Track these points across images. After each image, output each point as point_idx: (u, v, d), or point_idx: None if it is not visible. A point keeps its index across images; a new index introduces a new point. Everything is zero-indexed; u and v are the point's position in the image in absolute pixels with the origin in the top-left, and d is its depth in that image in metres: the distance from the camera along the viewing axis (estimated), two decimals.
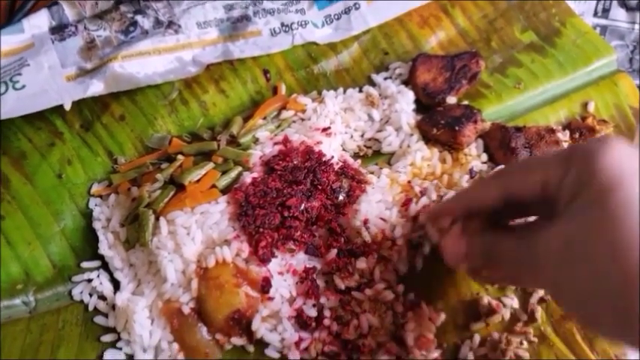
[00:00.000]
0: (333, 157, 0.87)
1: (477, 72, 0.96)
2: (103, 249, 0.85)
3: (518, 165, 0.76)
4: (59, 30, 0.97)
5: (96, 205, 0.90)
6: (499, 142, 0.89)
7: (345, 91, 0.98)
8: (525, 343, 0.76)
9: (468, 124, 0.88)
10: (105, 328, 0.82)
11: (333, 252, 0.80)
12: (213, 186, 0.84)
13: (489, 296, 0.79)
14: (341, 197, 0.84)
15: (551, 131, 0.89)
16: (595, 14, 1.16)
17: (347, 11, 1.03)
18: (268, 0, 1.02)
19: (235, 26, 1.01)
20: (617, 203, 0.48)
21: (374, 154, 0.94)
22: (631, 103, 0.96)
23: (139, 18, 0.99)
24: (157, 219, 0.82)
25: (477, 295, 0.79)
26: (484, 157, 0.90)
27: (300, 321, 0.77)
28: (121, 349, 0.79)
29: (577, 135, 0.92)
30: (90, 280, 0.85)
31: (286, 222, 0.79)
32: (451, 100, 0.94)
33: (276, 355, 0.77)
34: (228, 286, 0.77)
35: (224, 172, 0.86)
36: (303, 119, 0.95)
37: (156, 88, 0.98)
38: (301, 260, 0.81)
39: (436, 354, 0.75)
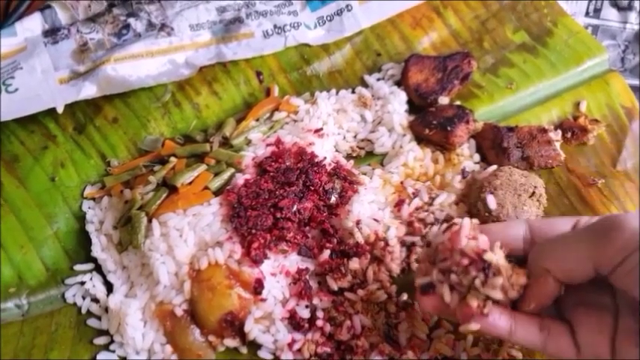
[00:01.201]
0: (325, 158, 0.87)
1: (469, 72, 0.96)
2: (96, 251, 0.86)
3: None
4: (52, 33, 0.98)
5: (89, 207, 0.90)
6: (491, 142, 0.89)
7: (337, 93, 0.98)
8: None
9: (460, 124, 0.89)
10: (98, 330, 0.82)
11: (326, 253, 0.80)
12: (206, 188, 0.85)
13: None
14: (333, 198, 0.84)
15: (543, 131, 0.89)
16: (587, 14, 1.17)
17: (339, 13, 1.04)
18: (261, 2, 1.03)
19: (228, 28, 1.01)
20: None
21: (367, 154, 0.95)
22: (623, 102, 0.97)
23: (131, 21, 1.00)
24: (150, 221, 0.82)
25: None
26: (476, 157, 0.91)
27: (293, 322, 0.77)
28: (114, 351, 0.79)
29: (569, 134, 0.93)
30: (83, 283, 0.85)
31: (279, 223, 0.79)
32: (443, 100, 0.94)
33: (269, 357, 0.77)
34: (221, 287, 0.77)
35: (216, 174, 0.86)
36: (295, 121, 0.95)
37: (149, 90, 0.98)
38: (294, 261, 0.81)
39: (428, 355, 0.75)
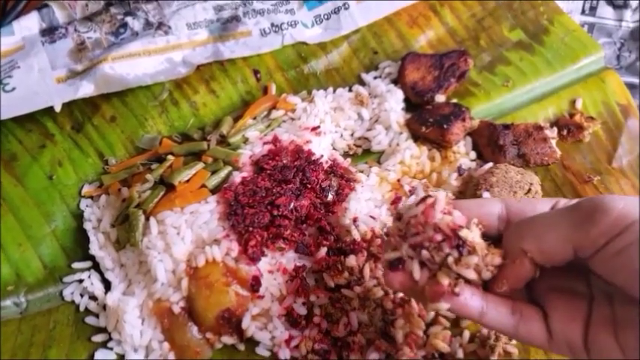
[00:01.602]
0: (322, 156, 0.87)
1: (466, 70, 0.96)
2: (94, 249, 0.86)
3: None
4: (49, 32, 0.98)
5: (87, 206, 0.90)
6: (487, 139, 0.90)
7: (334, 91, 0.98)
8: (514, 339, 0.76)
9: (456, 122, 0.89)
10: (96, 328, 0.82)
11: (323, 250, 0.81)
12: (203, 186, 0.85)
13: None
14: (330, 196, 0.84)
15: (539, 128, 0.90)
16: (582, 12, 1.17)
17: (336, 11, 1.04)
18: (258, 0, 1.03)
19: (225, 27, 1.02)
20: None
21: (364, 152, 0.95)
22: (618, 99, 0.97)
23: (129, 19, 1.00)
24: (147, 219, 0.82)
25: None
26: (472, 154, 0.91)
27: (290, 319, 0.78)
28: (112, 349, 0.80)
29: (565, 132, 0.93)
30: (81, 281, 0.85)
31: (276, 221, 0.80)
32: (440, 98, 0.94)
33: (267, 354, 0.78)
34: (218, 285, 0.77)
35: (214, 172, 0.86)
36: (293, 119, 0.95)
37: (146, 89, 0.98)
38: (291, 259, 0.81)
39: (425, 351, 0.75)
